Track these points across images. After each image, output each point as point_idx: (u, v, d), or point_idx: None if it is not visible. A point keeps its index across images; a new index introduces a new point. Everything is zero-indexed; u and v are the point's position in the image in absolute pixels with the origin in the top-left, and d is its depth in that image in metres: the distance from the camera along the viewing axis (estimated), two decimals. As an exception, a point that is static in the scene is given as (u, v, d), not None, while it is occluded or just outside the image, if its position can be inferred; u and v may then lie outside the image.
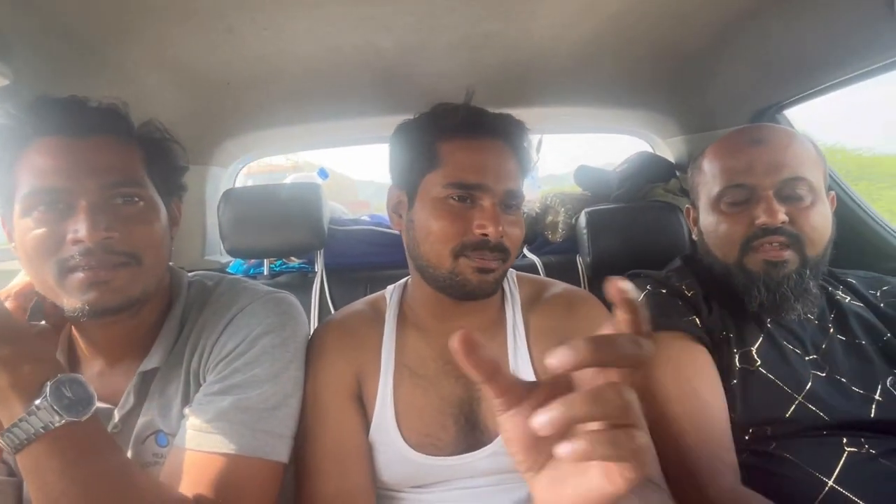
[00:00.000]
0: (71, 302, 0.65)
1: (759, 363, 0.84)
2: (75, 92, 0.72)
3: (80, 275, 0.64)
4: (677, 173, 1.57)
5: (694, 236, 1.01)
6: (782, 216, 0.82)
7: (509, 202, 0.79)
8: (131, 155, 0.73)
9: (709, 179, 0.91)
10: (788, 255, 0.83)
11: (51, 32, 0.88)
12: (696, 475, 0.75)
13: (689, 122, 1.52)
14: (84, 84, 0.74)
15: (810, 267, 0.84)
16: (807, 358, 0.85)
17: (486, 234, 0.74)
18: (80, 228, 0.64)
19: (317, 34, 1.01)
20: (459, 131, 0.79)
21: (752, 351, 0.86)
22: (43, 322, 0.71)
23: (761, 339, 0.87)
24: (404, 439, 0.77)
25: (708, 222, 0.92)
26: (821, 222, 0.84)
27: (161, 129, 0.78)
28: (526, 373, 0.79)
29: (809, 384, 0.82)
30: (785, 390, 0.82)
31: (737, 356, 0.85)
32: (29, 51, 0.87)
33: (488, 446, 0.76)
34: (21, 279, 0.73)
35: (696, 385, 0.81)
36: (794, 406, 0.80)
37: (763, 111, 1.25)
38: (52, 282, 0.65)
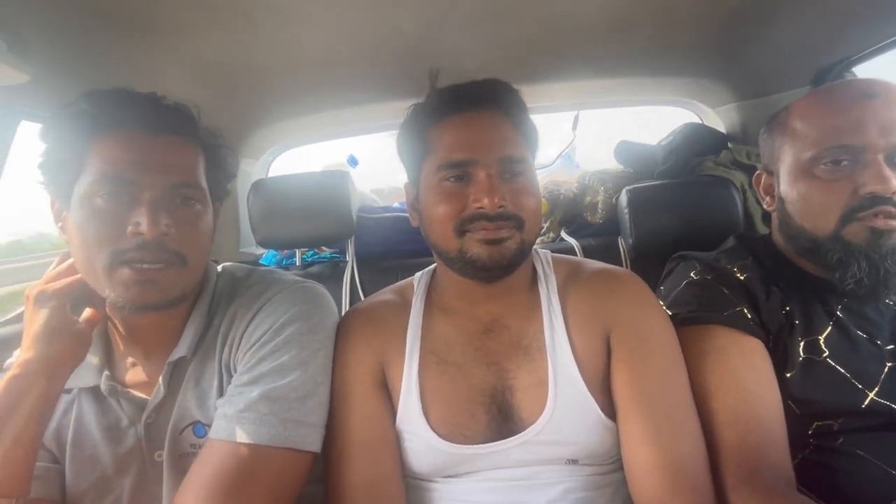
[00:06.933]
0: (115, 295, 0.68)
1: (826, 353, 0.76)
2: (95, 87, 0.72)
3: (129, 270, 0.67)
4: (729, 144, 1.45)
5: (766, 206, 0.89)
6: (895, 184, 0.71)
7: (509, 169, 0.75)
8: (196, 158, 0.76)
9: (800, 139, 0.79)
10: None
11: (66, 28, 0.88)
12: (736, 472, 0.68)
13: (741, 88, 1.39)
14: (104, 79, 0.74)
15: None
16: (886, 348, 0.77)
17: (481, 207, 0.72)
18: (141, 221, 0.66)
19: (332, 14, 0.97)
20: (445, 112, 0.78)
21: (819, 340, 0.77)
22: (84, 312, 0.73)
23: (830, 326, 0.78)
24: (431, 428, 0.75)
25: (796, 190, 0.80)
26: None
27: (218, 136, 0.81)
28: (564, 357, 0.75)
29: (883, 376, 0.74)
30: (855, 384, 0.74)
31: (801, 345, 0.77)
32: (46, 48, 0.88)
33: (520, 434, 0.73)
34: (57, 268, 0.74)
35: (742, 376, 0.74)
36: (867, 401, 0.73)
37: (828, 70, 1.12)
38: (102, 271, 0.67)
